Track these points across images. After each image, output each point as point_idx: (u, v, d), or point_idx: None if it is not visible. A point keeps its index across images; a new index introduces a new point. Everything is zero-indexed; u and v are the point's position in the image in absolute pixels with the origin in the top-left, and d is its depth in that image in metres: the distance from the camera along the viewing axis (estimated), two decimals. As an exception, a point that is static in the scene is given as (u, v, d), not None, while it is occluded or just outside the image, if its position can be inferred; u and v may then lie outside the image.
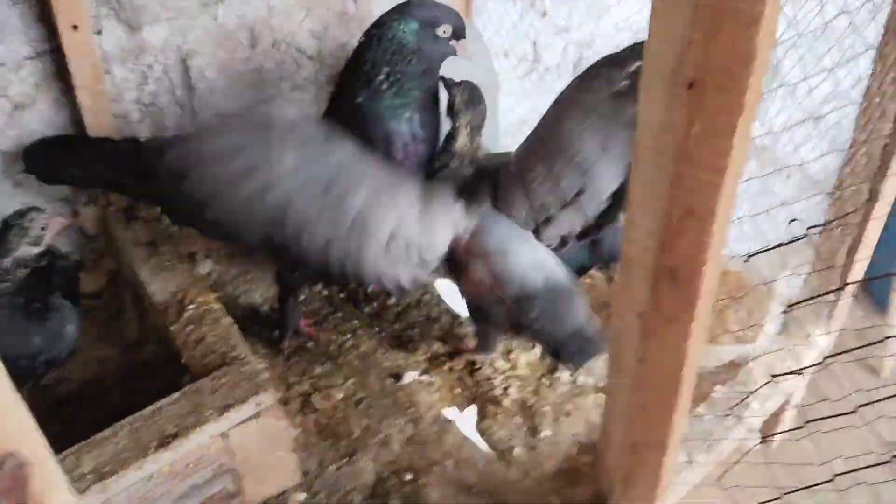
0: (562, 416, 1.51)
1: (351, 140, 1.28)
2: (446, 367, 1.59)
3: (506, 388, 1.56)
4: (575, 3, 2.36)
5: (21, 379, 1.35)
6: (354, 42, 1.89)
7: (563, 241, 1.40)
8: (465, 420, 1.52)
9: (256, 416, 1.24)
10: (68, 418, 1.50)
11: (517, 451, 1.45)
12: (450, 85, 1.44)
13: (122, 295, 1.75)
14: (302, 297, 1.77)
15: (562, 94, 1.40)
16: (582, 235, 1.40)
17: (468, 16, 2.05)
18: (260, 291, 1.78)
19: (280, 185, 1.22)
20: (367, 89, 1.39)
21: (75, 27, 1.44)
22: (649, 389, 0.94)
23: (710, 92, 0.68)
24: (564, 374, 1.59)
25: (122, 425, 1.19)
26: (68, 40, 1.45)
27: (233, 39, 1.73)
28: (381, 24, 1.41)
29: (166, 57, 1.66)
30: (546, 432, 1.48)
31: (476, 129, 1.43)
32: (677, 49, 0.69)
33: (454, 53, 1.44)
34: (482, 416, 1.52)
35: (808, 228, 0.77)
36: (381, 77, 1.37)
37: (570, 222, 1.37)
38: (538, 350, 1.64)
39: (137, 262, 1.59)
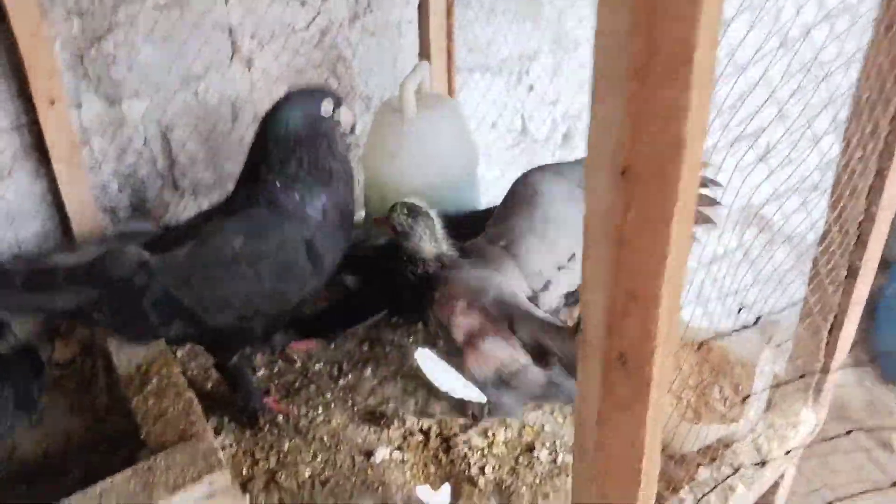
0: (539, 497, 1.45)
1: None
2: (420, 443, 1.55)
3: (482, 467, 1.51)
4: (559, 77, 2.40)
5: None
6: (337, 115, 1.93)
7: (566, 299, 1.49)
8: (437, 500, 1.46)
9: (210, 496, 1.19)
10: (23, 493, 1.46)
11: (490, 534, 1.39)
12: (385, 217, 1.47)
13: (94, 364, 1.73)
14: (276, 370, 1.74)
15: (528, 180, 1.53)
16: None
17: (451, 91, 2.07)
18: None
19: None
20: (280, 175, 1.44)
21: (52, 102, 1.46)
22: (609, 478, 0.90)
23: (643, 179, 0.67)
24: (543, 454, 1.53)
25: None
26: (45, 114, 1.47)
27: (214, 114, 1.76)
28: (273, 122, 1.45)
29: (146, 130, 1.68)
30: (521, 515, 1.42)
31: (431, 231, 1.43)
32: (612, 136, 0.68)
33: (339, 124, 1.50)
34: (456, 496, 1.47)
35: (758, 318, 0.74)
36: (293, 170, 1.43)
37: (567, 282, 1.47)
38: (516, 427, 1.60)
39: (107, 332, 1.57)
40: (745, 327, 0.73)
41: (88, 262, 1.42)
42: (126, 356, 1.51)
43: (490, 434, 1.58)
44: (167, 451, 1.24)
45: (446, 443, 1.56)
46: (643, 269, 0.72)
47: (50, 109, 1.48)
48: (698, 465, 1.46)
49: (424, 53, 1.98)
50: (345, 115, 1.51)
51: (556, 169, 1.56)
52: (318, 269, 1.48)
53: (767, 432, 1.47)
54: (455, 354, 1.43)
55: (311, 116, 1.46)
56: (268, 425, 1.58)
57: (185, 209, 1.82)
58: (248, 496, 1.43)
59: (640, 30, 0.61)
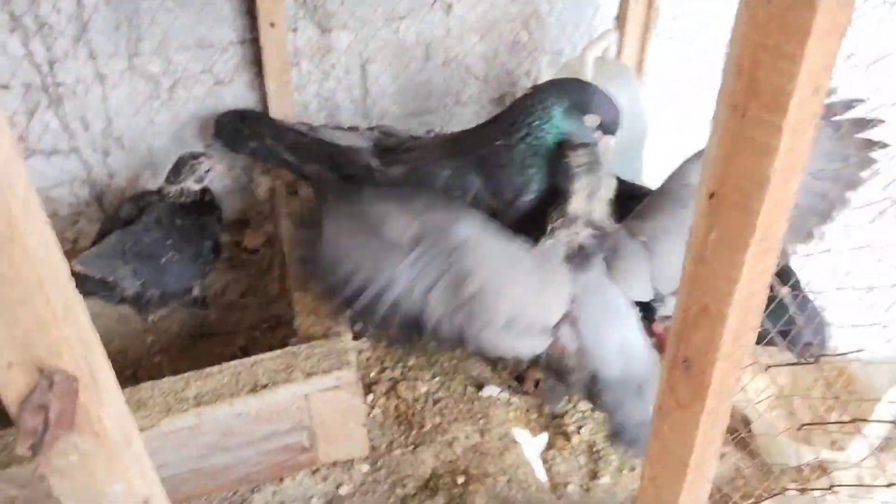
0: (626, 468, 1.53)
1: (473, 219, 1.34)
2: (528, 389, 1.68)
3: (579, 427, 1.61)
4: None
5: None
6: (521, 70, 2.02)
7: None
8: (531, 445, 1.59)
9: (336, 388, 1.40)
10: (201, 349, 1.78)
11: (571, 488, 1.50)
12: (569, 147, 1.44)
13: (272, 256, 2.02)
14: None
15: (681, 171, 1.47)
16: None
17: (643, 59, 2.07)
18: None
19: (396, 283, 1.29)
20: (507, 138, 1.49)
21: (272, 24, 1.68)
22: (659, 465, 0.97)
23: (726, 207, 0.71)
24: (640, 429, 1.60)
25: (229, 366, 1.40)
26: (265, 34, 1.70)
27: (409, 53, 1.91)
28: (539, 93, 1.49)
29: (348, 60, 1.88)
30: (605, 479, 1.51)
31: (593, 194, 1.40)
32: (710, 161, 0.73)
33: (594, 143, 1.48)
34: (549, 446, 1.59)
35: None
36: (520, 136, 1.47)
37: None
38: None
39: (286, 231, 1.83)
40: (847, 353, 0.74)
41: (334, 148, 1.66)
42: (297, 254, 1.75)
43: (595, 399, 1.66)
44: (311, 343, 1.46)
45: (553, 396, 1.67)
46: (716, 288, 0.77)
47: (269, 31, 1.71)
48: (795, 481, 1.46)
49: (622, 15, 1.98)
50: (604, 143, 1.49)
51: None
52: None
53: (874, 471, 1.42)
54: None
55: (572, 115, 1.46)
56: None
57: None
58: (370, 396, 1.65)
59: (743, 71, 0.65)
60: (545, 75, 2.09)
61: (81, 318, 0.69)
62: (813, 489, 1.30)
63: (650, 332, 1.49)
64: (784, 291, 1.10)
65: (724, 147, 0.69)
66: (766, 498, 1.41)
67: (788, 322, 1.19)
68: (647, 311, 1.45)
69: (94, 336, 0.72)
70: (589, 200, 1.41)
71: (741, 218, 0.71)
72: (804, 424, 0.96)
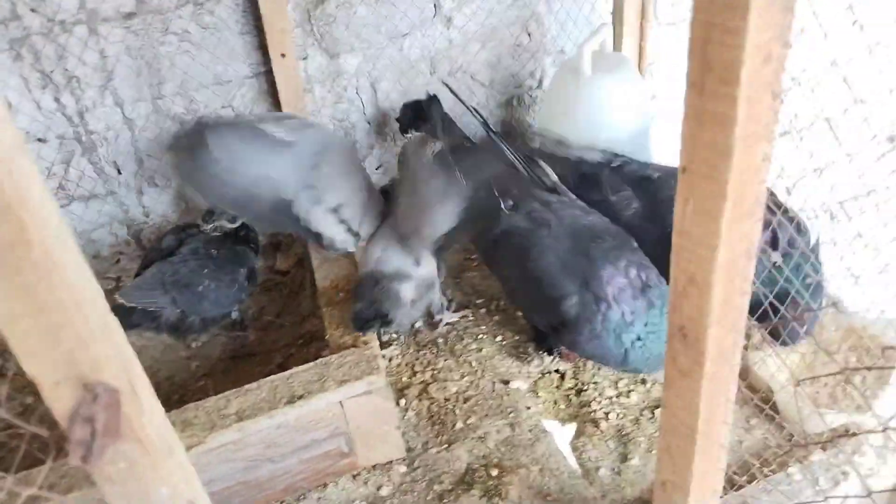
0: (655, 448, 1.56)
1: None
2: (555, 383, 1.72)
3: (607, 413, 1.65)
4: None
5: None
6: (525, 72, 2.07)
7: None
8: (560, 434, 1.63)
9: (368, 393, 1.47)
10: (242, 369, 1.86)
11: (602, 472, 1.54)
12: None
13: (303, 276, 2.10)
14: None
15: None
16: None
17: (643, 47, 2.10)
18: (411, 288, 2.02)
19: None
20: None
21: (283, 55, 1.77)
22: (671, 434, 1.01)
23: (698, 178, 0.76)
24: (669, 410, 1.63)
25: (266, 382, 1.48)
26: (278, 65, 1.79)
27: (415, 68, 1.99)
28: None
29: (358, 81, 1.96)
30: (635, 461, 1.54)
31: None
32: (680, 136, 0.78)
33: None
34: (578, 434, 1.62)
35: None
36: None
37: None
38: (649, 383, 1.70)
39: (313, 251, 1.90)
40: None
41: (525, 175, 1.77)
42: (324, 272, 1.83)
43: (621, 386, 1.70)
44: (341, 353, 1.53)
45: (579, 384, 1.71)
46: (699, 257, 0.82)
47: (281, 61, 1.80)
48: (821, 446, 1.47)
49: (618, 6, 2.01)
50: None
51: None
52: None
53: (902, 429, 1.43)
54: None
55: None
56: (429, 345, 1.84)
57: (385, 152, 2.09)
58: (403, 400, 1.71)
59: (697, 50, 0.70)
60: (549, 74, 2.15)
61: (118, 335, 0.77)
62: (828, 442, 1.31)
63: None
64: (776, 257, 1.13)
65: (689, 123, 0.74)
66: (790, 465, 1.43)
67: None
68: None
69: (130, 351, 0.79)
70: None
71: (712, 188, 0.76)
72: (800, 381, 0.98)
